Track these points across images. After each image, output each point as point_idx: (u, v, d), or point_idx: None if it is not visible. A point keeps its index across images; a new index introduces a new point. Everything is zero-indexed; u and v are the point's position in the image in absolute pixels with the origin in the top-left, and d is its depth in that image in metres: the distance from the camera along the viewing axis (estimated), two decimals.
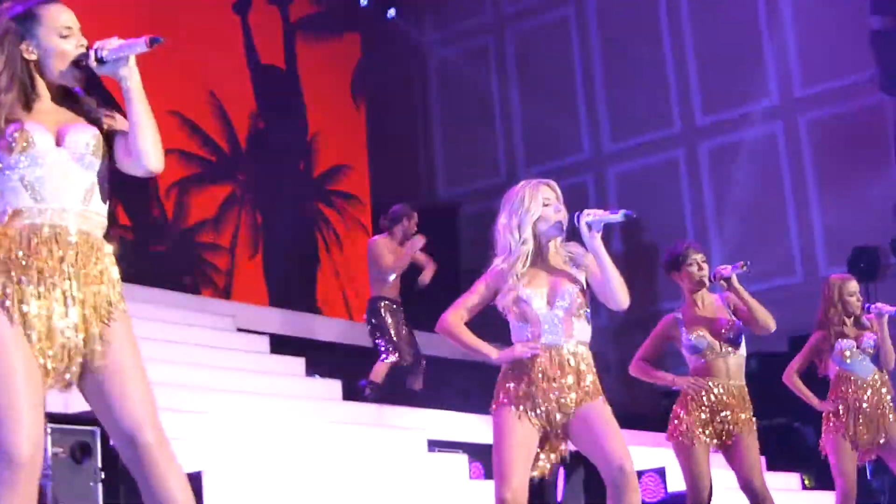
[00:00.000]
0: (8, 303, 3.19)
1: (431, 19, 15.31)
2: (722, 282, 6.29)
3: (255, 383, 8.08)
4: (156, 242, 12.14)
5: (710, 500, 6.14)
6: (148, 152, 3.34)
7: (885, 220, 11.68)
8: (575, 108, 14.41)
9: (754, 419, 6.24)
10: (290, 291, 13.00)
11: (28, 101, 3.34)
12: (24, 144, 3.26)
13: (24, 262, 3.22)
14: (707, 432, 6.10)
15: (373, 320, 8.97)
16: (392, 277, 8.97)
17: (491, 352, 4.73)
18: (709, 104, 13.59)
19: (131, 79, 3.31)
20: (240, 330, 9.44)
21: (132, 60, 3.29)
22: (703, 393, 6.12)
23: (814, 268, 12.44)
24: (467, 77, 14.83)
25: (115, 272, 3.37)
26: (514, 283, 4.68)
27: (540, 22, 14.76)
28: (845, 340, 7.02)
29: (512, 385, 4.63)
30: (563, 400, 4.60)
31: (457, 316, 4.80)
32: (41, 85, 3.39)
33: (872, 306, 7.06)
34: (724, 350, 6.20)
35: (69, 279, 3.27)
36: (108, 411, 3.27)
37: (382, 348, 8.90)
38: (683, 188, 13.56)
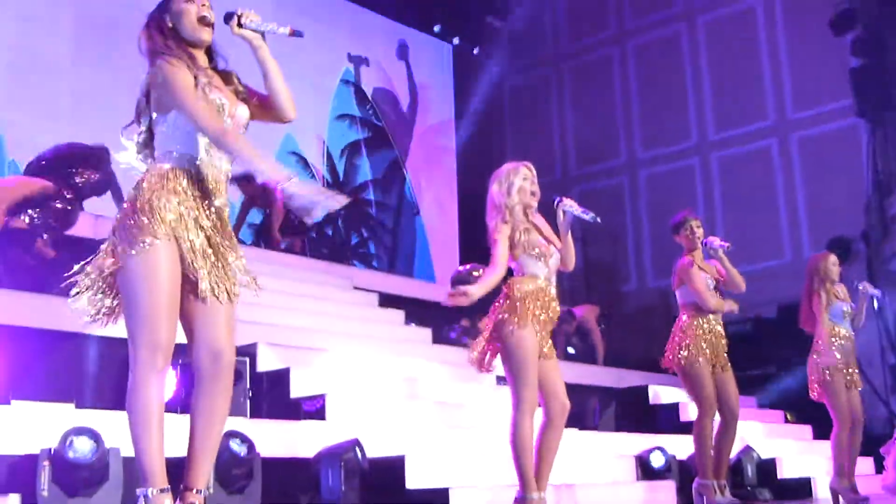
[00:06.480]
0: (175, 229, 3.11)
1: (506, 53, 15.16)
2: (710, 250, 6.01)
3: (368, 329, 8.13)
4: None
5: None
6: (286, 104, 3.33)
7: (857, 215, 11.46)
8: (613, 119, 14.27)
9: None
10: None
11: (198, 66, 3.23)
12: (217, 106, 3.20)
13: (185, 197, 3.15)
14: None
15: None
16: None
17: None
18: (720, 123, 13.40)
19: (264, 48, 3.26)
20: (356, 288, 9.49)
21: (266, 36, 3.24)
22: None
23: (799, 251, 12.24)
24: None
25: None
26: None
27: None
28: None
29: None
30: None
31: None
32: (201, 58, 3.28)
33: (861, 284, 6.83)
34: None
35: (217, 221, 3.23)
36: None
37: None
38: (698, 188, 13.39)
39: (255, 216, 10.45)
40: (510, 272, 4.80)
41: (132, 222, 3.12)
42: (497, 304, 4.71)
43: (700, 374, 5.85)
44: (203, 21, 3.27)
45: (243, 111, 3.30)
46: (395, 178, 13.68)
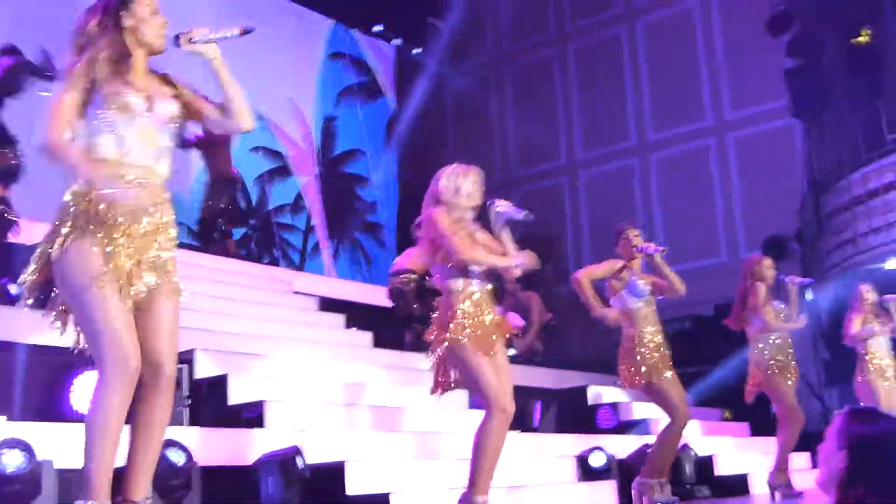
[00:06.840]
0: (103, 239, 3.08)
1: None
2: (646, 256, 6.03)
3: (307, 334, 8.08)
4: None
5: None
6: (242, 112, 3.33)
7: (792, 214, 11.65)
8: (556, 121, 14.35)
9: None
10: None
11: (126, 67, 3.22)
12: (124, 105, 3.17)
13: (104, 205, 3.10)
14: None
15: None
16: None
17: None
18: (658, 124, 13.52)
19: (217, 58, 3.27)
20: (295, 293, 9.42)
21: (216, 43, 3.26)
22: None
23: (735, 251, 12.40)
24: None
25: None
26: None
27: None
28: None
29: None
30: None
31: None
32: (137, 53, 3.26)
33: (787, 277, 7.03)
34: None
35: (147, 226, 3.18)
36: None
37: None
38: (636, 188, 13.50)
39: (188, 216, 10.20)
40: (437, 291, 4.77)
41: (63, 234, 3.07)
42: (434, 321, 4.68)
43: (661, 385, 5.88)
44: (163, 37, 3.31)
45: (165, 107, 3.28)
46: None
